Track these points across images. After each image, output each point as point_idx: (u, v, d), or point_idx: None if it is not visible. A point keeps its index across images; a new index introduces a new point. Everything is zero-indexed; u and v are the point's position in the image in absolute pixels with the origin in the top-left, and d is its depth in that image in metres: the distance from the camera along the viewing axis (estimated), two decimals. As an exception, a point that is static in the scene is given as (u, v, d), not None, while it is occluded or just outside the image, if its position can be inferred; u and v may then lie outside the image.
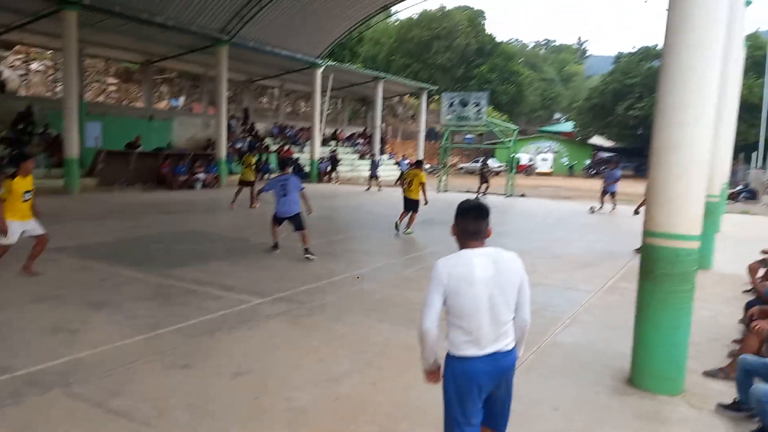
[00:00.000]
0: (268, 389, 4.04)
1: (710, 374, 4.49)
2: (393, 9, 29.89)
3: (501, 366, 2.56)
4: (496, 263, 2.52)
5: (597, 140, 55.85)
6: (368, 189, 24.04)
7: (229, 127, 26.54)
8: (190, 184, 22.24)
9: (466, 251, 2.56)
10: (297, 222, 9.00)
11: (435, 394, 4.00)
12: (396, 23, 59.92)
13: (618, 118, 47.48)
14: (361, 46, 48.94)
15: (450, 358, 2.61)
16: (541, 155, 51.29)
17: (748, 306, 5.43)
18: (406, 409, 3.81)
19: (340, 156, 30.42)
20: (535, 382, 4.29)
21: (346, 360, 4.62)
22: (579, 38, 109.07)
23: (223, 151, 24.19)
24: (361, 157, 34.63)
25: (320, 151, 30.02)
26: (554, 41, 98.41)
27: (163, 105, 33.30)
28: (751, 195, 24.94)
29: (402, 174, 13.10)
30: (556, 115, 72.65)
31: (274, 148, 29.59)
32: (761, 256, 6.25)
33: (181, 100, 35.35)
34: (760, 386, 3.62)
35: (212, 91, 27.47)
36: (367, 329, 5.42)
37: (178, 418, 3.59)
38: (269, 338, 5.12)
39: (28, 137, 19.79)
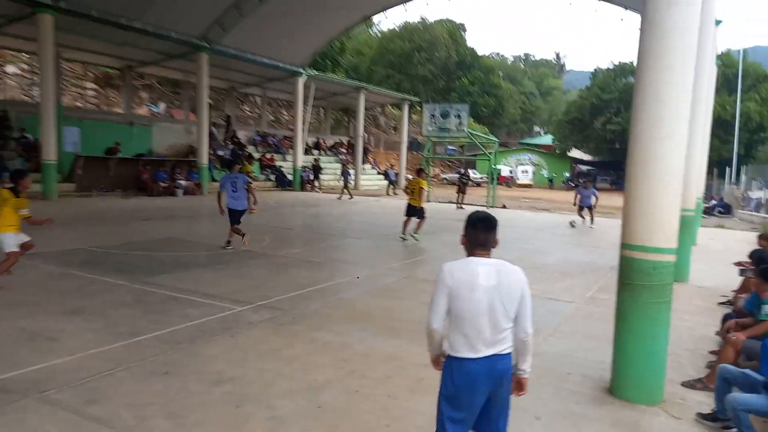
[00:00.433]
0: (250, 397, 4.00)
1: (689, 385, 4.56)
2: (375, 19, 30.23)
3: (497, 369, 2.62)
4: (500, 274, 2.61)
5: (576, 153, 56.74)
6: (339, 198, 24.19)
7: (210, 134, 26.39)
8: (171, 191, 22.02)
9: (472, 259, 2.67)
10: (239, 216, 10.17)
11: (417, 402, 4.03)
12: (378, 34, 60.32)
13: (596, 132, 48.42)
14: (344, 56, 49.16)
15: (449, 359, 2.69)
16: (521, 167, 51.91)
17: (726, 318, 5.55)
18: (388, 418, 3.81)
19: (322, 165, 30.46)
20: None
21: (328, 368, 4.61)
22: (557, 53, 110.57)
23: (204, 158, 24.01)
24: (344, 166, 34.69)
25: (303, 160, 30.01)
26: (533, 56, 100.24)
27: (143, 111, 32.94)
28: (726, 209, 25.49)
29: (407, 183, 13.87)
30: (536, 128, 73.71)
31: (257, 156, 29.50)
32: (735, 269, 6.41)
33: (162, 106, 35.02)
34: (735, 394, 3.71)
35: (193, 98, 27.31)
36: (349, 338, 5.42)
37: (159, 425, 3.54)
38: (251, 346, 5.08)
39: (4, 141, 19.43)
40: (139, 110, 32.22)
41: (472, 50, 60.86)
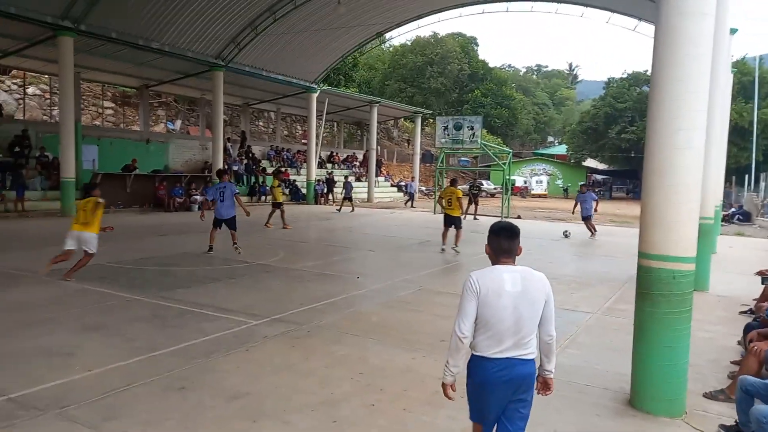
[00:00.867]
0: (266, 412, 3.99)
1: (711, 396, 4.47)
2: (387, 35, 30.46)
3: (517, 372, 2.71)
4: (525, 280, 2.72)
5: (591, 163, 56.35)
6: (339, 210, 24.27)
7: (225, 149, 26.65)
8: (186, 206, 22.23)
9: (498, 266, 2.77)
10: (231, 223, 10.87)
11: (434, 416, 3.99)
12: (390, 49, 60.69)
13: (610, 141, 48.04)
14: (356, 71, 49.51)
15: (473, 358, 2.78)
16: (535, 177, 51.65)
17: (747, 329, 5.43)
18: (405, 432, 3.77)
19: (336, 178, 30.56)
20: (534, 404, 4.23)
21: (344, 382, 4.58)
22: (570, 64, 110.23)
23: (220, 173, 24.21)
24: (358, 179, 34.76)
25: (317, 173, 30.16)
26: (546, 67, 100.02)
27: (160, 128, 33.41)
28: (745, 217, 25.09)
29: (439, 193, 13.92)
30: (550, 138, 73.43)
31: (270, 170, 29.73)
32: (756, 277, 6.28)
33: (178, 123, 35.49)
34: (759, 407, 3.62)
35: (209, 115, 27.64)
36: (366, 351, 5.39)
37: (175, 441, 3.54)
38: (267, 360, 5.07)
39: (25, 160, 19.81)
40: (155, 128, 32.68)
41: (484, 62, 60.92)
